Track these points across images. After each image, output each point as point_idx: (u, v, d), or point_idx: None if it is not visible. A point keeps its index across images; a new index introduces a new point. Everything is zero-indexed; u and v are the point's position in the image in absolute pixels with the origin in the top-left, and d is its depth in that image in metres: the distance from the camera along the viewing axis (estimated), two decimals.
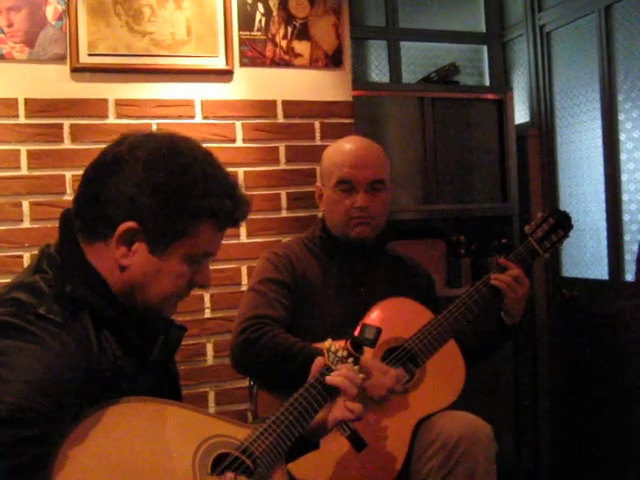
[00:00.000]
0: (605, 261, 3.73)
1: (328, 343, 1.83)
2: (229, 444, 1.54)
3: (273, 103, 3.20)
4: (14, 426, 1.21)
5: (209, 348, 3.08)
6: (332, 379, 1.73)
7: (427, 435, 2.24)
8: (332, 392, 1.74)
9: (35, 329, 1.33)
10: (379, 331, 1.86)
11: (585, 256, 3.90)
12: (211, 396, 3.08)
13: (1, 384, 1.24)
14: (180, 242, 1.47)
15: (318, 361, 1.80)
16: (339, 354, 1.80)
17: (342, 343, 1.85)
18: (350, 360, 1.81)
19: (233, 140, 3.13)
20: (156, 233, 1.45)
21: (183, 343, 2.83)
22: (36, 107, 2.85)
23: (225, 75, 3.11)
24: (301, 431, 1.65)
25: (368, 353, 2.02)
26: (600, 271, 3.79)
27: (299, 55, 3.22)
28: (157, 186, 1.44)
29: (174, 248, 1.47)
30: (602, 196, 3.72)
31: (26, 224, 2.83)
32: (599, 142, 3.72)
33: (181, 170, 1.46)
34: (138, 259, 1.47)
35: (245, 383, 2.75)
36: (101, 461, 1.34)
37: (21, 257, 2.79)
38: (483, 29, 4.37)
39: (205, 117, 3.09)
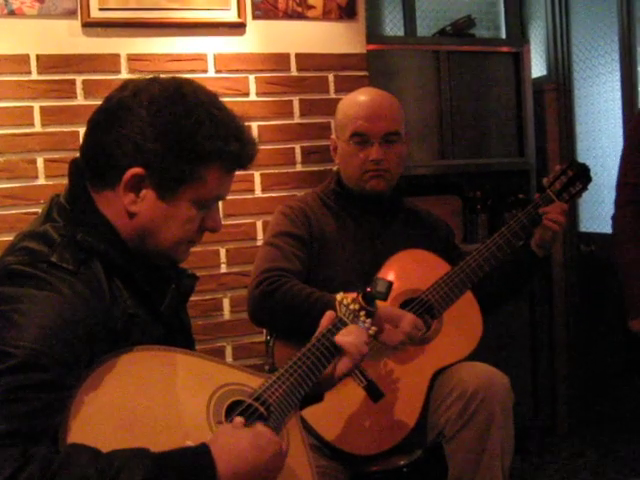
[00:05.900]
0: None
1: (340, 296, 1.82)
2: (242, 392, 1.54)
3: (286, 56, 3.16)
4: (29, 370, 1.22)
5: (225, 303, 3.09)
6: (340, 339, 1.71)
7: (444, 386, 2.24)
8: (340, 348, 1.72)
9: (48, 277, 1.33)
10: (391, 284, 1.84)
11: (602, 211, 3.87)
12: (228, 351, 3.10)
13: (15, 330, 1.24)
14: (188, 186, 1.46)
15: (328, 314, 1.77)
16: (351, 307, 1.79)
17: (354, 295, 1.83)
18: (362, 313, 1.80)
19: (246, 94, 3.10)
20: (163, 178, 1.44)
21: (200, 298, 2.97)
22: (48, 63, 2.84)
23: (237, 28, 3.07)
24: (314, 380, 1.64)
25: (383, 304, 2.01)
26: None
27: (312, 7, 3.17)
28: (161, 130, 1.42)
29: (182, 193, 1.46)
30: (620, 150, 3.66)
31: (41, 181, 2.84)
32: (618, 95, 3.68)
33: (185, 113, 1.43)
34: (147, 205, 1.46)
35: (262, 338, 2.76)
36: (115, 408, 1.34)
37: (36, 214, 2.77)
38: None
39: (218, 71, 3.06)
